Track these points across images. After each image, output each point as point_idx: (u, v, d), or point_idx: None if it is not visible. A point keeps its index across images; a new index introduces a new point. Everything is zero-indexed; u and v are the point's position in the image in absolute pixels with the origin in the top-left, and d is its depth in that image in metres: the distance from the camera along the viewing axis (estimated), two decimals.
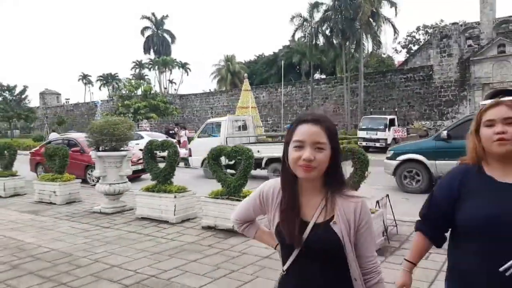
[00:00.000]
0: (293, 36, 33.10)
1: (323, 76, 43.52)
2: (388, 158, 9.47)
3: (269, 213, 1.46)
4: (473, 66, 27.89)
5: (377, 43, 30.34)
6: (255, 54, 57.63)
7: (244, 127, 14.49)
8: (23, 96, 45.51)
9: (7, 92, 44.06)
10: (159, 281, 3.89)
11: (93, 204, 7.84)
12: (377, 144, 19.79)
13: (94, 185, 9.91)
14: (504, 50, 26.63)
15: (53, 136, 17.01)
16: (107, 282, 3.92)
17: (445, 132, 8.39)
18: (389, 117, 21.54)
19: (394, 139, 19.96)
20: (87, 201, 8.34)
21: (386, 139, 19.71)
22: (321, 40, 31.93)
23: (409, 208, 6.51)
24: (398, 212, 5.79)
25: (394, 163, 9.08)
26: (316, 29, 30.75)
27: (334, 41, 31.11)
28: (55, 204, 7.96)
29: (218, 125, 13.60)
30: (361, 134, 20.44)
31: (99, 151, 7.26)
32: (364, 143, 19.70)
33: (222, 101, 42.32)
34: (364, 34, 29.74)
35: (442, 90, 29.38)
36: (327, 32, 30.91)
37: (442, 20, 43.99)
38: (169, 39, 61.80)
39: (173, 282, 3.87)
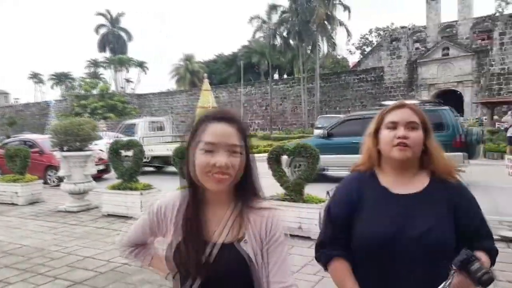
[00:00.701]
0: (253, 37, 33.78)
1: (284, 76, 44.55)
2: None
3: (167, 234, 1.20)
4: (420, 68, 29.88)
5: (332, 45, 31.74)
6: (215, 53, 57.63)
7: (161, 128, 16.52)
8: None
9: None
10: (132, 268, 4.26)
11: (56, 204, 7.94)
12: None
13: (56, 185, 9.97)
14: (448, 53, 28.78)
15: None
16: (82, 270, 4.25)
17: (326, 131, 10.07)
18: (343, 116, 22.67)
19: None
20: (50, 201, 8.42)
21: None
22: (279, 41, 32.84)
23: None
24: None
25: (288, 157, 10.76)
26: (274, 31, 31.62)
27: (291, 43, 32.14)
28: (17, 204, 7.99)
29: (134, 126, 15.63)
30: (317, 132, 21.37)
31: (63, 151, 7.43)
32: None
33: (182, 100, 42.20)
34: (319, 36, 30.98)
35: (392, 90, 31.18)
36: (285, 33, 31.87)
37: (393, 23, 46.50)
38: (125, 37, 60.48)
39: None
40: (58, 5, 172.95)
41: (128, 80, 59.28)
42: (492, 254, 1.34)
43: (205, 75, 26.41)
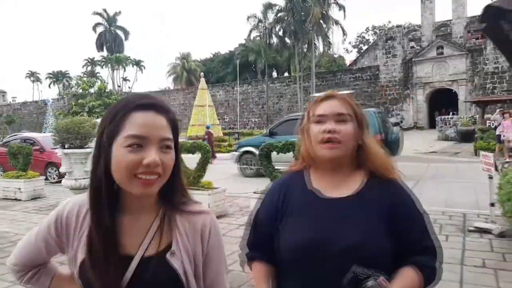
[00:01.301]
0: (249, 36, 34.11)
1: (282, 75, 44.87)
2: (234, 150, 12.35)
3: (69, 251, 0.97)
4: (415, 67, 30.27)
5: (327, 44, 32.08)
6: (211, 52, 57.97)
7: None
8: None
9: None
10: None
11: (58, 199, 8.22)
12: None
13: (56, 182, 10.24)
14: (442, 51, 29.18)
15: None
16: None
17: (268, 131, 11.42)
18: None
19: None
20: (51, 197, 8.70)
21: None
22: (275, 40, 33.17)
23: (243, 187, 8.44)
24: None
25: (237, 153, 11.75)
26: (270, 30, 31.94)
27: (287, 41, 32.48)
28: (20, 200, 8.27)
29: None
30: None
31: (65, 148, 7.70)
32: None
33: (179, 99, 42.45)
34: (315, 35, 31.31)
35: (388, 89, 31.57)
36: (280, 32, 32.20)
37: (389, 22, 46.86)
38: (122, 36, 60.63)
39: None
40: (56, 4, 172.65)
41: (125, 79, 59.53)
42: (425, 271, 1.14)
43: (202, 74, 26.75)
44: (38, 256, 1.04)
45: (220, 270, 1.00)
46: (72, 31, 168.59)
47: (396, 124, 28.83)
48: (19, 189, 8.35)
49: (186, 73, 51.90)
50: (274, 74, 45.83)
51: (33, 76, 67.60)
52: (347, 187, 1.22)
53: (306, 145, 1.26)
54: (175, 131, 0.94)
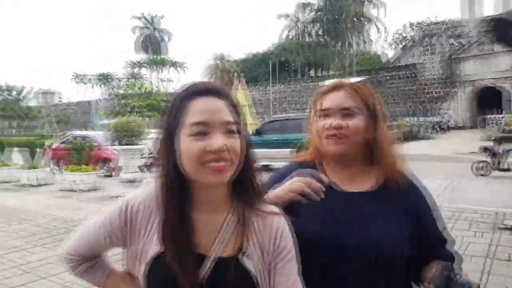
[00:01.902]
0: (281, 35, 34.52)
1: (319, 74, 44.80)
2: None
3: (135, 244, 0.92)
4: (458, 64, 29.41)
5: (364, 42, 31.86)
6: (246, 52, 58.55)
7: None
8: (21, 96, 46.34)
9: (6, 92, 44.86)
10: None
11: (114, 191, 9.04)
12: None
13: (109, 175, 11.20)
14: (489, 48, 28.02)
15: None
16: None
17: (255, 129, 12.46)
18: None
19: None
20: (107, 188, 9.59)
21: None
22: (310, 39, 33.33)
23: None
24: None
25: None
26: (305, 29, 32.16)
27: (324, 40, 32.57)
28: (81, 191, 9.21)
29: None
30: None
31: (121, 145, 8.57)
32: None
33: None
34: (352, 33, 31.22)
35: (426, 87, 30.91)
36: (316, 31, 32.35)
37: (428, 18, 45.64)
38: (164, 38, 62.64)
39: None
40: (103, 7, 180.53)
41: (169, 80, 61.44)
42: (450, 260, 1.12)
43: (242, 74, 27.39)
44: (96, 247, 0.98)
45: (291, 272, 0.91)
46: (117, 34, 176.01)
47: (437, 123, 28.12)
48: (81, 181, 9.33)
49: (221, 73, 52.87)
50: (311, 73, 45.85)
51: (78, 78, 71.23)
52: (361, 183, 1.16)
53: (314, 139, 1.20)
54: (238, 116, 0.88)
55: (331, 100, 1.14)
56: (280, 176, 1.20)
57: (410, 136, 22.67)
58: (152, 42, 60.58)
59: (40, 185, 10.31)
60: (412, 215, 1.13)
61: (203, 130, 0.83)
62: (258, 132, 12.20)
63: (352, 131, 1.11)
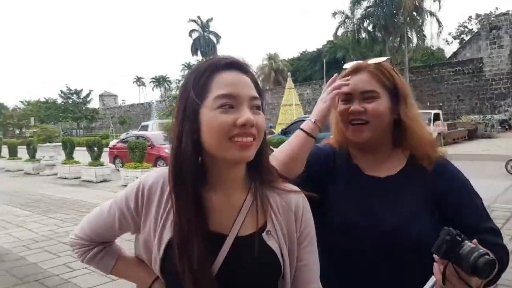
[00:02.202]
0: (335, 33, 33.82)
1: None
2: None
3: (149, 227, 0.87)
4: None
5: (422, 37, 30.36)
6: (298, 51, 58.18)
7: None
8: (88, 99, 49.90)
9: (74, 95, 48.53)
10: None
11: None
12: None
13: None
14: None
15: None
16: None
17: (282, 130, 13.11)
18: (433, 111, 21.70)
19: (439, 133, 20.20)
20: None
21: (431, 134, 19.96)
22: (363, 36, 32.39)
23: None
24: None
25: None
26: (358, 25, 31.29)
27: (378, 36, 31.47)
28: None
29: (147, 126, 21.94)
30: None
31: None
32: None
33: (266, 99, 43.52)
34: (408, 28, 29.87)
35: (494, 83, 28.79)
36: (370, 28, 31.37)
37: (497, 8, 42.47)
38: (215, 40, 64.26)
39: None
40: (159, 14, 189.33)
41: None
42: (498, 252, 0.91)
43: (289, 74, 27.33)
44: (108, 231, 0.94)
45: (313, 249, 0.90)
46: (172, 38, 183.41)
47: (503, 121, 26.23)
48: (137, 177, 9.78)
49: (274, 73, 52.99)
50: None
51: (139, 81, 75.19)
52: (387, 167, 1.12)
53: (336, 125, 1.17)
54: (260, 94, 0.85)
55: (351, 84, 1.09)
56: (321, 154, 1.18)
57: (474, 135, 21.40)
58: (202, 45, 62.39)
59: (101, 181, 11.07)
60: (441, 199, 1.06)
61: (230, 103, 0.79)
62: (284, 133, 12.76)
63: (373, 115, 1.07)
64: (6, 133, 40.04)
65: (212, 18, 64.47)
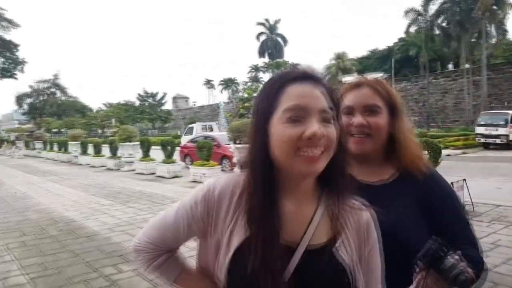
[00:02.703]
0: (406, 31, 32.53)
1: (448, 68, 41.00)
2: None
3: (217, 233, 0.86)
4: None
5: (503, 31, 28.07)
6: (368, 49, 56.51)
7: (211, 128, 24.92)
8: (162, 101, 53.52)
9: (150, 98, 52.33)
10: None
11: None
12: (498, 141, 18.86)
13: (230, 170, 12.45)
14: None
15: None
16: None
17: None
18: (511, 112, 20.09)
19: None
20: None
21: (507, 135, 18.61)
22: (437, 32, 30.80)
23: None
24: None
25: None
26: (432, 22, 29.81)
27: (452, 33, 29.73)
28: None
29: (192, 128, 24.93)
30: (479, 130, 19.67)
31: (236, 144, 9.56)
32: (483, 140, 19.07)
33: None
34: (490, 22, 27.81)
35: None
36: (444, 24, 29.73)
37: None
38: (282, 42, 64.92)
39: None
40: (227, 18, 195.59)
41: None
42: (475, 266, 0.94)
43: (355, 74, 27.03)
44: (174, 237, 0.91)
45: (380, 266, 0.90)
46: (240, 42, 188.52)
47: None
48: (204, 174, 10.69)
49: (342, 72, 52.10)
50: (440, 68, 42.14)
51: (209, 83, 78.44)
52: (379, 174, 1.17)
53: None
54: (336, 104, 0.83)
55: (354, 98, 1.15)
56: None
57: None
58: (269, 46, 63.34)
59: (173, 177, 12.12)
60: (428, 210, 1.11)
61: (298, 115, 0.78)
62: None
63: (376, 130, 1.13)
64: (90, 132, 44.18)
65: (279, 20, 65.13)
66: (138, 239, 0.95)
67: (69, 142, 22.47)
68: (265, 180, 0.82)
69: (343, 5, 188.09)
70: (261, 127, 0.82)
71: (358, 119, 1.14)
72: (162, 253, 0.95)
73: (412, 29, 32.35)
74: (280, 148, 0.79)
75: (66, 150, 22.15)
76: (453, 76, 33.17)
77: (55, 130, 48.85)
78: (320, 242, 0.83)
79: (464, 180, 6.49)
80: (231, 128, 9.74)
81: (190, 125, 27.58)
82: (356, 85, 1.19)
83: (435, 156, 6.00)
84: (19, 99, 60.35)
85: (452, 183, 6.24)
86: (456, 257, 0.87)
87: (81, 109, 59.92)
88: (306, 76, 0.83)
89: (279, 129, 0.79)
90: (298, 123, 0.78)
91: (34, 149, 28.89)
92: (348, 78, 1.26)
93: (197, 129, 24.65)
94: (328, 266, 0.81)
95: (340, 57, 52.83)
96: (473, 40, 29.99)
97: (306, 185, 0.86)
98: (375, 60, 50.88)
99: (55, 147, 24.15)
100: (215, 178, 0.91)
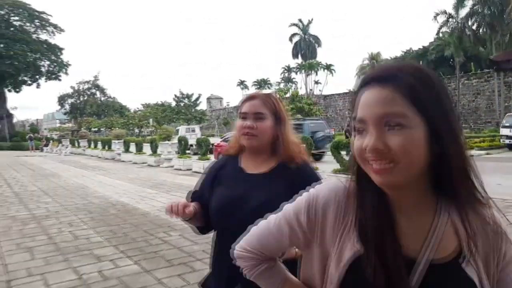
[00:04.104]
0: (438, 33, 32.52)
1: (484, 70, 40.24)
2: None
3: (323, 245, 0.81)
4: None
5: None
6: (402, 49, 55.90)
7: (193, 130, 29.53)
8: (197, 102, 55.36)
9: (186, 99, 54.33)
10: None
11: None
12: None
13: None
14: None
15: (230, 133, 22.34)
16: None
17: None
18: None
19: None
20: None
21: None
22: (468, 34, 30.64)
23: None
24: None
25: None
26: (462, 24, 29.75)
27: (486, 33, 29.54)
28: None
29: (178, 129, 26.65)
30: (504, 132, 19.75)
31: None
32: (507, 141, 19.21)
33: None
34: None
35: None
36: (474, 26, 29.61)
37: None
38: (315, 43, 65.35)
39: None
40: (261, 19, 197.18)
41: (316, 82, 63.98)
42: None
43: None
44: (277, 247, 0.90)
45: None
46: (273, 43, 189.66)
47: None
48: None
49: None
50: (471, 69, 41.35)
51: (242, 84, 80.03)
52: (263, 167, 1.50)
53: (236, 135, 1.55)
54: (416, 101, 0.68)
55: (248, 107, 1.49)
56: (210, 167, 1.63)
57: None
58: (303, 47, 63.96)
59: None
60: (297, 190, 1.30)
61: (361, 127, 0.72)
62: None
63: (261, 131, 1.47)
64: (128, 132, 46.45)
65: (312, 20, 65.54)
66: (240, 246, 0.93)
67: (112, 141, 24.44)
68: (370, 190, 0.75)
69: (376, 4, 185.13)
70: (351, 137, 0.78)
71: (250, 122, 1.48)
72: (263, 260, 0.92)
73: (443, 30, 32.30)
74: (358, 160, 0.74)
75: (109, 148, 24.07)
76: (485, 77, 32.70)
77: (95, 129, 51.57)
78: (444, 256, 0.74)
79: None
80: None
81: (177, 128, 33.69)
82: (251, 97, 1.54)
83: None
84: (61, 100, 64.28)
85: None
86: None
87: (119, 109, 63.01)
88: (371, 79, 0.73)
89: (353, 140, 0.75)
90: (363, 134, 0.72)
91: (79, 147, 31.09)
92: (246, 94, 1.63)
93: (182, 130, 29.43)
94: (454, 282, 0.73)
95: (374, 57, 52.64)
96: (504, 41, 29.62)
97: (411, 196, 0.75)
98: (410, 60, 50.14)
99: (99, 145, 26.13)
100: (319, 187, 0.85)
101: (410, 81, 0.69)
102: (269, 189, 1.42)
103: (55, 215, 7.20)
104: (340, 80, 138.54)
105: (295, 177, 1.43)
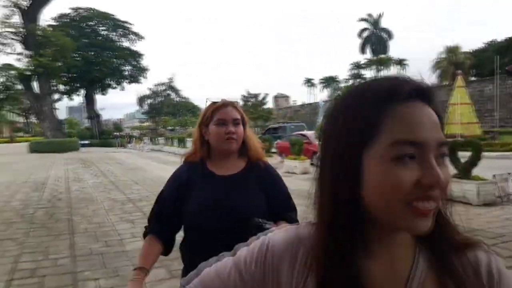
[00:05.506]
0: None
1: None
2: None
3: None
4: None
5: None
6: (484, 41, 51.65)
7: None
8: (264, 101, 56.78)
9: (253, 98, 55.99)
10: None
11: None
12: None
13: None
14: None
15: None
16: None
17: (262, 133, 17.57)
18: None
19: None
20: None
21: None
22: None
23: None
24: None
25: None
26: None
27: None
28: (295, 173, 12.84)
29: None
30: None
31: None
32: None
33: (439, 96, 40.42)
34: None
35: None
36: None
37: None
38: (386, 37, 63.25)
39: None
40: (328, 17, 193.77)
41: None
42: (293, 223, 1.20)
43: (459, 71, 25.89)
44: None
45: None
46: (342, 40, 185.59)
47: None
48: (295, 166, 13.11)
49: (454, 67, 48.72)
50: None
51: (309, 82, 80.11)
52: (233, 168, 1.62)
53: (199, 139, 1.64)
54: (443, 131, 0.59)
55: (226, 113, 1.60)
56: (175, 178, 1.66)
57: None
58: (373, 42, 62.19)
59: None
60: (265, 188, 1.61)
61: (412, 152, 0.54)
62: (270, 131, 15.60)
63: (239, 136, 1.61)
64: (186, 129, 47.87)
65: (383, 13, 63.49)
66: (190, 282, 0.77)
67: (186, 139, 26.53)
68: (346, 238, 0.59)
69: None
70: (348, 162, 0.57)
71: (231, 128, 1.59)
72: None
73: None
74: (381, 196, 0.55)
75: (185, 145, 26.15)
76: None
77: (171, 128, 55.39)
78: None
79: (509, 173, 7.56)
80: (319, 127, 11.75)
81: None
82: (224, 105, 1.63)
83: (476, 153, 7.24)
84: (140, 100, 69.68)
85: (494, 175, 7.41)
86: (271, 223, 1.39)
87: (192, 109, 66.74)
88: (417, 92, 0.56)
89: (382, 169, 0.54)
90: (411, 163, 0.54)
91: (157, 144, 33.79)
92: (216, 101, 1.68)
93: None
94: None
95: (452, 50, 49.28)
96: None
97: (402, 239, 0.62)
98: (493, 52, 46.43)
99: (175, 143, 28.42)
100: (275, 232, 0.71)
101: (439, 104, 0.59)
102: (247, 187, 1.58)
103: (146, 198, 8.81)
104: (418, 74, 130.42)
105: (263, 173, 1.64)
